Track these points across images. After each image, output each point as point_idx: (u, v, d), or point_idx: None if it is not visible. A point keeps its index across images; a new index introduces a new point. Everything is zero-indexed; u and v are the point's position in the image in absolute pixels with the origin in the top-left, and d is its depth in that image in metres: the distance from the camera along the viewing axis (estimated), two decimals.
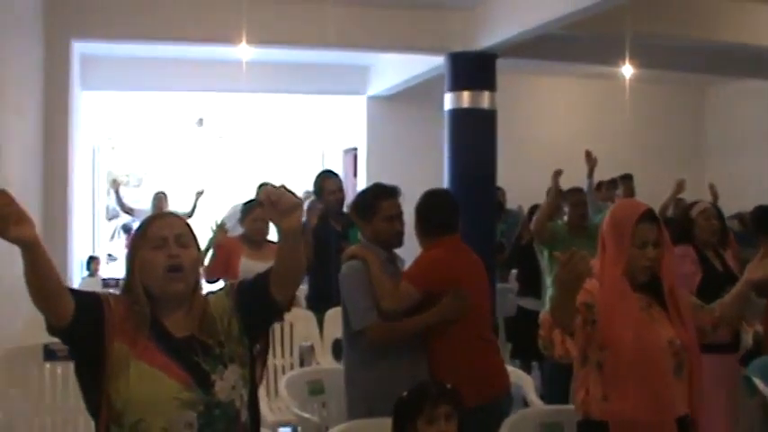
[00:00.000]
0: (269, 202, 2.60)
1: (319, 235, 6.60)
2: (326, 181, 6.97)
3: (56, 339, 5.19)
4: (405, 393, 3.52)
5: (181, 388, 2.65)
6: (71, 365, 4.98)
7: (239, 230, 7.03)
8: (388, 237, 4.42)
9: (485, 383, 4.32)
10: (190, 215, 11.26)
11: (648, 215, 3.43)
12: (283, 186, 2.63)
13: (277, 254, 2.79)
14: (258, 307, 2.84)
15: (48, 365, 5.09)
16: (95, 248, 14.42)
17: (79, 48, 9.84)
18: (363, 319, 4.27)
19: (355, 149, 14.52)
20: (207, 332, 2.77)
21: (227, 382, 2.72)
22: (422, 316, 4.28)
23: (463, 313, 4.25)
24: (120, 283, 2.84)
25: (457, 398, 3.47)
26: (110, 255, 15.02)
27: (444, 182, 9.84)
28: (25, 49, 7.27)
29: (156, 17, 9.23)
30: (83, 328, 2.62)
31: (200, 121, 21.58)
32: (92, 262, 12.20)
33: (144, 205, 13.28)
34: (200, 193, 11.50)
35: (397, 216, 4.42)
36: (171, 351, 2.70)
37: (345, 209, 6.78)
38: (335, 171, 7.51)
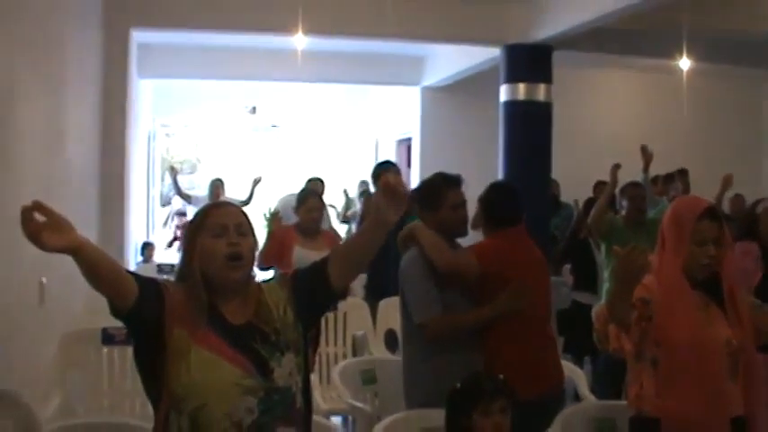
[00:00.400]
0: (389, 189, 2.69)
1: None
2: (385, 172, 7.01)
3: (115, 323, 5.33)
4: (458, 385, 3.53)
5: (242, 374, 2.68)
6: (129, 349, 5.09)
7: (293, 219, 7.07)
8: (454, 225, 4.39)
9: (541, 377, 4.31)
10: (247, 202, 11.32)
11: (710, 212, 3.39)
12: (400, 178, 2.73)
13: (356, 241, 2.89)
14: (315, 294, 2.89)
15: (105, 349, 5.19)
16: (150, 234, 14.56)
17: (137, 36, 9.95)
18: (424, 314, 4.24)
19: (409, 140, 14.53)
20: (263, 320, 2.80)
21: (285, 369, 2.75)
22: (480, 310, 4.26)
23: (522, 307, 4.23)
24: (176, 269, 2.86)
25: (511, 391, 3.48)
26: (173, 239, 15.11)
27: (499, 173, 9.82)
28: (85, 38, 7.37)
29: (213, 6, 9.31)
30: (144, 313, 2.65)
31: (254, 109, 21.71)
32: (146, 248, 12.31)
33: (198, 192, 13.42)
34: (257, 181, 11.54)
35: (462, 205, 4.42)
36: (230, 338, 2.72)
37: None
38: (392, 161, 7.55)
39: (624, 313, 3.23)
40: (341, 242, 6.15)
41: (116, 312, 2.67)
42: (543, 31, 9.48)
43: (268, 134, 19.70)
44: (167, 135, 18.95)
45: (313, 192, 6.97)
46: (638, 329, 3.29)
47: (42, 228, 2.39)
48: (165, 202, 17.02)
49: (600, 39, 9.71)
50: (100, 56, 8.32)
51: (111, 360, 5.19)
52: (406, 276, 4.35)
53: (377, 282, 6.68)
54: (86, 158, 7.36)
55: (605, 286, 6.78)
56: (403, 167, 14.49)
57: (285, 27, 9.14)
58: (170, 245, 14.91)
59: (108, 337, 5.18)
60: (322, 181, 10.28)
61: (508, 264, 4.34)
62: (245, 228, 2.83)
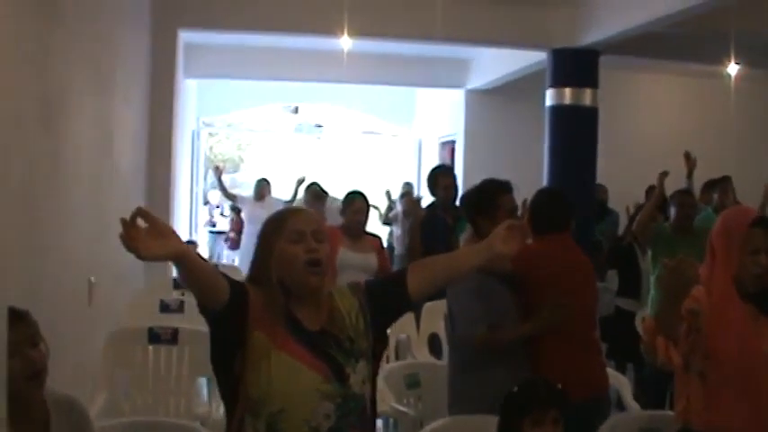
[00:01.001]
0: (514, 230, 2.80)
1: (429, 227, 6.73)
2: (441, 176, 7.15)
3: (160, 322, 5.38)
4: (515, 388, 3.50)
5: (321, 380, 2.70)
6: (174, 349, 5.19)
7: (338, 220, 7.12)
8: None
9: (586, 383, 4.29)
10: (291, 202, 11.36)
11: (761, 222, 3.36)
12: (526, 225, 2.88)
13: (450, 261, 2.93)
14: (390, 304, 2.93)
15: (152, 348, 5.24)
16: (192, 233, 14.64)
17: (182, 36, 10.01)
18: (468, 329, 4.25)
19: (452, 142, 14.50)
20: (337, 327, 2.82)
21: (359, 376, 2.78)
22: (522, 326, 4.26)
23: (564, 322, 4.21)
24: (249, 272, 2.86)
25: (565, 401, 3.45)
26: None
27: (544, 178, 9.78)
28: (133, 39, 7.44)
29: (260, 8, 9.35)
30: (232, 315, 2.67)
31: (296, 109, 21.80)
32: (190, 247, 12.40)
33: (241, 191, 13.49)
34: (300, 181, 11.53)
35: (515, 210, 4.47)
36: (308, 343, 2.74)
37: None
38: (448, 165, 7.65)
39: (673, 325, 3.20)
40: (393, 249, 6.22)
41: (205, 311, 2.70)
42: (590, 36, 9.42)
43: (311, 134, 19.76)
44: (210, 134, 19.05)
45: (359, 193, 7.02)
46: (686, 341, 3.26)
47: (142, 236, 2.37)
48: (204, 201, 17.13)
49: (647, 43, 9.63)
50: (147, 56, 8.39)
51: (157, 359, 5.25)
52: (452, 288, 4.34)
53: None
54: (133, 158, 7.43)
55: (651, 293, 6.73)
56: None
57: (331, 29, 9.15)
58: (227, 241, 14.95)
59: (154, 337, 5.24)
60: (319, 185, 10.41)
61: (549, 268, 4.34)
62: (322, 234, 2.85)
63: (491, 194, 4.44)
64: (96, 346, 5.12)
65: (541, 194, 4.71)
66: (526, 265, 4.28)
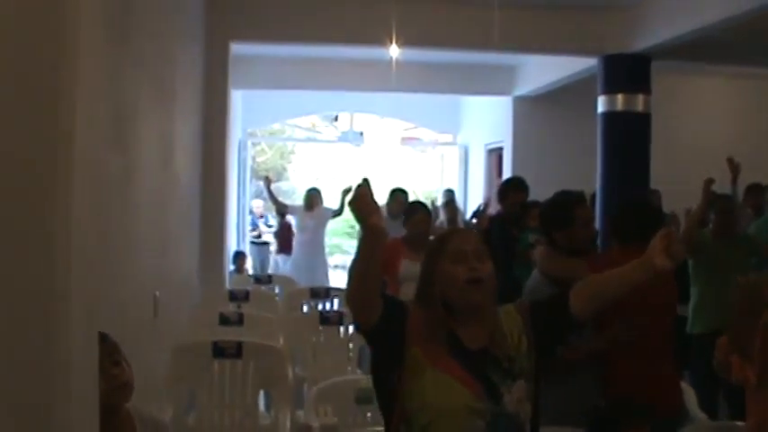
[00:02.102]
0: (667, 237, 2.78)
1: (495, 238, 6.73)
2: (513, 191, 7.16)
3: (221, 335, 5.39)
4: (604, 404, 3.48)
5: (473, 397, 2.78)
6: (239, 362, 5.19)
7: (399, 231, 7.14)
8: (585, 241, 4.47)
9: (658, 394, 4.24)
10: (339, 213, 11.37)
11: None
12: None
13: (612, 277, 2.93)
14: (553, 323, 2.95)
15: (216, 362, 5.25)
16: (240, 244, 14.69)
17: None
18: None
19: (500, 149, 14.45)
20: (498, 346, 2.88)
21: (515, 395, 2.82)
22: (595, 342, 4.22)
23: (633, 338, 4.16)
24: (415, 291, 3.01)
25: (653, 421, 3.41)
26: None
27: (597, 185, 9.70)
28: (189, 52, 7.49)
29: (309, 19, 9.37)
30: (387, 331, 2.82)
31: (336, 118, 21.87)
32: (238, 257, 12.41)
33: (282, 199, 13.50)
34: (347, 191, 11.50)
35: (592, 220, 4.47)
36: (465, 361, 2.82)
37: None
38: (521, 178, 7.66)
39: (747, 343, 3.14)
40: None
41: (358, 329, 2.92)
42: (642, 42, 9.34)
43: (354, 143, 19.79)
44: (253, 144, 19.14)
45: (421, 204, 7.05)
46: (761, 357, 3.19)
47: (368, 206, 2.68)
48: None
49: (698, 47, 9.53)
50: (201, 69, 8.43)
51: (221, 373, 5.25)
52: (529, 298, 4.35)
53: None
54: (190, 169, 7.46)
55: (691, 303, 6.65)
56: (493, 176, 14.50)
57: (379, 39, 9.14)
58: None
59: (218, 350, 5.25)
60: (405, 192, 10.35)
61: None
62: (484, 253, 2.93)
63: (567, 206, 4.46)
64: (161, 360, 5.13)
65: (622, 204, 4.68)
66: (594, 272, 4.25)
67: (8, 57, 1.96)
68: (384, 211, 8.64)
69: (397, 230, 6.89)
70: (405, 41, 9.10)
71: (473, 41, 9.68)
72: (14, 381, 1.99)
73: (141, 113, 4.83)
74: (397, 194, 9.51)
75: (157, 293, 5.30)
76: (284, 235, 14.51)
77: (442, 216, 12.33)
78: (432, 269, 2.92)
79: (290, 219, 13.23)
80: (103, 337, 2.83)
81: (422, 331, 2.84)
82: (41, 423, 2.03)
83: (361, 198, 2.67)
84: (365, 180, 2.67)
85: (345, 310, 6.63)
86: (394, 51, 9.69)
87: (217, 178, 8.94)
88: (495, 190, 12.32)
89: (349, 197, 2.74)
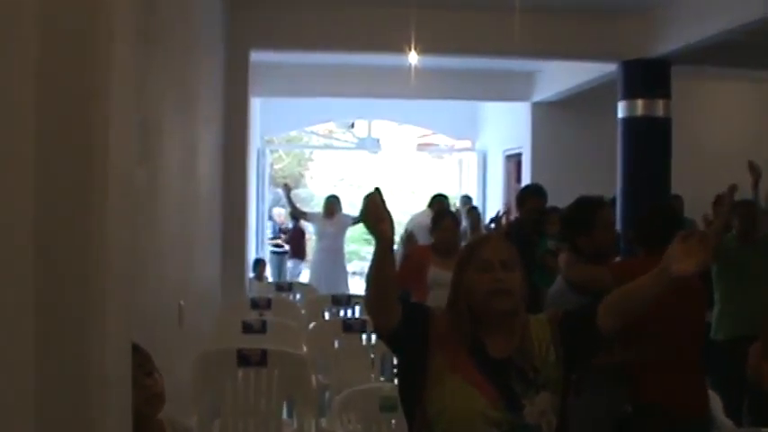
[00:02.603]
0: (690, 238, 2.79)
1: (514, 244, 6.73)
2: (531, 197, 7.17)
3: (244, 343, 5.40)
4: (630, 410, 3.48)
5: (489, 406, 2.78)
6: (263, 370, 5.19)
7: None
8: (607, 245, 4.47)
9: (684, 403, 4.22)
10: (359, 220, 11.33)
11: None
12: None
13: (632, 289, 2.89)
14: (581, 337, 2.93)
15: (241, 370, 5.25)
16: (259, 251, 14.72)
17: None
18: None
19: (518, 155, 14.44)
20: (524, 356, 2.87)
21: (537, 407, 2.81)
22: (616, 355, 4.21)
23: (660, 351, 4.15)
24: (448, 298, 3.00)
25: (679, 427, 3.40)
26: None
27: (617, 190, 9.68)
28: (211, 61, 7.51)
29: (328, 27, 9.41)
30: (408, 336, 2.86)
31: (352, 125, 21.88)
32: (258, 265, 12.41)
33: (300, 206, 13.50)
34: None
35: (613, 225, 4.48)
36: (487, 370, 2.83)
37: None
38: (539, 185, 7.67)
39: None
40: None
41: (379, 334, 2.97)
42: (662, 47, 9.32)
43: (371, 150, 19.81)
44: (271, 151, 19.18)
45: (449, 212, 7.09)
46: None
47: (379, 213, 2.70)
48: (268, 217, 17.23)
49: (719, 52, 9.49)
50: (222, 77, 8.45)
51: (246, 381, 5.25)
52: (549, 307, 4.35)
53: None
54: (211, 177, 7.48)
55: (716, 308, 6.62)
56: (512, 182, 14.48)
57: (398, 46, 9.15)
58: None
59: (243, 358, 5.25)
60: (447, 197, 10.34)
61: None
62: (512, 263, 2.92)
63: (589, 210, 4.49)
64: (186, 368, 5.14)
65: (648, 209, 4.66)
66: (615, 277, 4.25)
67: (47, 71, 1.97)
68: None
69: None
70: (424, 48, 9.10)
71: (494, 48, 9.71)
72: (53, 394, 2.00)
73: (166, 122, 4.84)
74: (438, 200, 9.58)
75: (182, 302, 5.31)
76: (297, 240, 14.51)
77: (464, 222, 12.33)
78: (460, 277, 2.94)
79: (305, 224, 13.23)
80: (135, 348, 2.84)
81: (447, 337, 2.86)
82: None
83: (371, 207, 2.69)
84: (376, 189, 2.71)
85: (368, 317, 6.62)
86: (413, 58, 9.70)
87: (238, 186, 8.97)
88: (514, 196, 12.37)
89: (360, 207, 2.75)
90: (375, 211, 2.69)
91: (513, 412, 2.78)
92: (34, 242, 1.95)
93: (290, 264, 14.51)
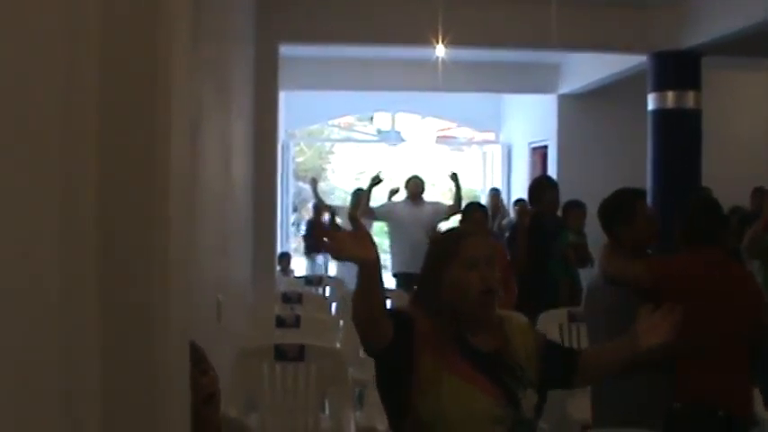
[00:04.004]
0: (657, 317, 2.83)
1: (534, 237, 6.72)
2: (547, 190, 7.11)
3: (283, 339, 5.40)
4: (678, 405, 3.46)
5: (494, 404, 2.69)
6: (300, 365, 5.19)
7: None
8: (649, 236, 4.46)
9: (726, 398, 4.18)
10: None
11: None
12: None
13: (614, 354, 2.91)
14: (556, 374, 2.89)
15: (278, 365, 5.25)
16: (284, 245, 14.68)
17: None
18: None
19: (544, 147, 14.39)
20: (509, 353, 2.80)
21: (530, 402, 2.75)
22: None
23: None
24: (419, 296, 2.89)
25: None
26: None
27: (647, 182, 9.63)
28: (243, 56, 7.51)
29: (356, 20, 9.41)
30: (397, 349, 2.68)
31: (371, 119, 21.86)
32: (283, 258, 12.39)
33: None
34: (394, 192, 11.39)
35: (653, 216, 4.47)
36: (481, 366, 2.73)
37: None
38: (550, 177, 7.59)
39: None
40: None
41: (369, 352, 2.73)
42: (692, 38, 9.26)
43: (395, 142, 19.78)
44: (294, 145, 19.19)
45: (479, 205, 7.09)
46: None
47: (343, 238, 2.51)
48: (294, 209, 17.18)
49: (749, 43, 9.41)
50: (252, 71, 8.45)
51: (284, 376, 5.26)
52: (589, 303, 4.40)
53: (528, 293, 6.65)
54: (243, 171, 7.49)
55: None
56: (537, 175, 14.43)
57: (426, 39, 9.12)
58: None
59: (281, 353, 5.25)
60: (497, 190, 10.29)
61: (682, 280, 4.25)
62: (493, 260, 2.81)
63: (630, 201, 4.48)
64: (225, 363, 5.14)
65: (690, 203, 4.62)
66: (652, 273, 4.23)
67: (109, 71, 1.97)
68: None
69: None
70: (452, 41, 9.07)
71: (522, 40, 9.70)
72: (118, 393, 2.00)
73: (205, 117, 4.84)
74: (492, 194, 9.49)
75: (220, 297, 5.32)
76: (317, 234, 14.36)
77: (512, 215, 12.36)
78: (439, 275, 2.79)
79: (326, 218, 13.19)
80: (191, 345, 2.80)
81: (432, 339, 2.72)
82: None
83: (345, 238, 2.51)
84: (360, 190, 2.59)
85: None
86: (440, 51, 9.67)
87: (267, 180, 8.97)
88: None
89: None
90: (351, 241, 2.48)
91: (514, 408, 2.70)
92: (98, 242, 1.94)
93: (320, 258, 14.43)
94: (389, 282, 9.67)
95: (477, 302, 2.74)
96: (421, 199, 9.55)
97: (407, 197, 9.69)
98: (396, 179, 16.42)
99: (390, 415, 2.81)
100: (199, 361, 2.87)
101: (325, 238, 2.52)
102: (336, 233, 2.56)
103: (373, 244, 2.52)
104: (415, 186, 9.68)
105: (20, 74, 1.46)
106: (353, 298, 2.61)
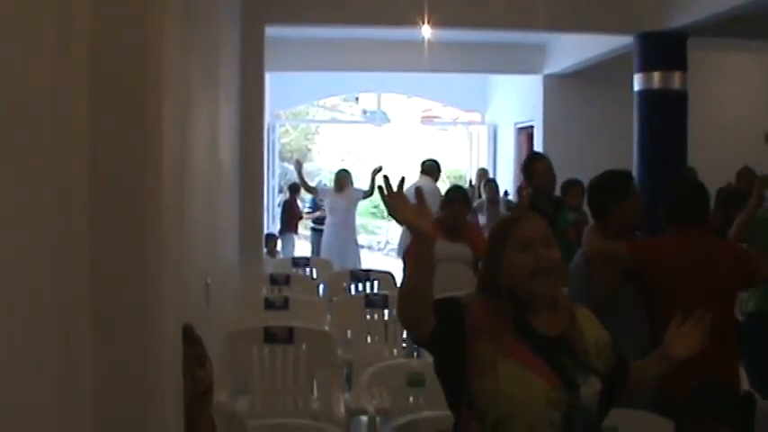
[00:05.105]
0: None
1: None
2: (536, 162, 7.04)
3: (271, 321, 5.39)
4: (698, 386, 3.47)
5: (549, 388, 2.67)
6: (290, 348, 5.19)
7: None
8: (637, 217, 4.48)
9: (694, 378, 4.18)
10: (369, 193, 11.24)
11: None
12: None
13: (645, 372, 2.92)
14: (613, 375, 2.85)
15: (267, 347, 5.26)
16: (270, 226, 14.66)
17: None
18: None
19: (529, 127, 14.41)
20: (575, 338, 2.78)
21: (592, 389, 2.73)
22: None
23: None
24: (479, 281, 2.93)
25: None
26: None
27: (633, 164, 9.64)
28: (228, 37, 7.47)
29: (342, 1, 9.38)
30: (444, 338, 2.70)
31: (356, 99, 21.83)
32: (269, 240, 12.36)
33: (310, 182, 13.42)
34: (377, 171, 11.35)
35: (639, 196, 4.52)
36: (540, 350, 2.72)
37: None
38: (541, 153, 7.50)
39: None
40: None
41: (416, 341, 2.85)
42: (678, 19, 9.24)
43: (378, 123, 19.77)
44: (279, 126, 19.17)
45: (462, 191, 7.10)
46: None
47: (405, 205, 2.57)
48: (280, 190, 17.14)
49: (736, 24, 9.42)
50: (237, 53, 8.41)
51: (273, 358, 5.26)
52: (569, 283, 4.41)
53: None
54: (230, 154, 7.46)
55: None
56: (523, 155, 14.45)
57: (412, 19, 9.10)
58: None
59: (270, 336, 5.25)
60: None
61: (664, 261, 4.28)
62: (550, 240, 2.81)
63: (623, 181, 4.57)
64: (214, 347, 5.13)
65: (671, 187, 4.62)
66: (632, 253, 4.27)
67: (100, 53, 1.96)
68: None
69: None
70: (437, 22, 9.06)
71: (508, 20, 9.68)
72: (110, 385, 1.99)
73: (193, 99, 4.82)
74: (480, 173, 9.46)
75: (209, 280, 5.31)
76: (291, 213, 14.33)
77: (483, 196, 12.36)
78: (497, 257, 2.80)
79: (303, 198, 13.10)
80: (188, 332, 2.72)
81: (488, 324, 2.72)
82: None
83: (400, 203, 2.56)
84: (380, 168, 2.59)
85: (389, 293, 6.63)
86: (426, 32, 9.65)
87: (254, 162, 8.94)
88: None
89: (383, 195, 2.58)
90: (409, 208, 2.55)
91: (570, 392, 2.68)
92: (90, 228, 1.93)
93: (294, 238, 14.38)
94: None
95: (530, 282, 2.73)
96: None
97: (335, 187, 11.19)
98: (381, 159, 16.49)
99: (447, 397, 2.84)
100: (198, 354, 2.80)
101: (386, 191, 2.55)
102: (400, 193, 2.57)
103: (433, 223, 2.61)
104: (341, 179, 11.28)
105: (7, 60, 1.44)
106: (406, 283, 2.71)
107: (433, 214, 2.60)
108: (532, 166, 7.01)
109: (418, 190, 2.61)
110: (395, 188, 2.56)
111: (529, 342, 2.72)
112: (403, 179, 2.65)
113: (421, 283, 2.64)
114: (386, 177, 2.57)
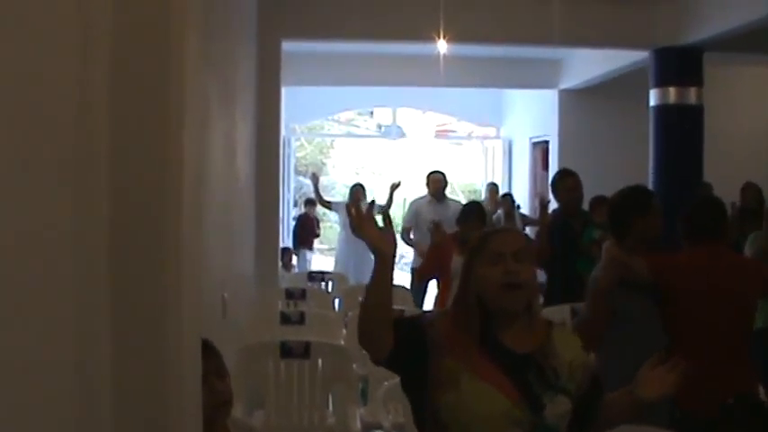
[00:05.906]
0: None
1: (557, 232, 6.66)
2: (566, 178, 7.01)
3: (287, 336, 5.39)
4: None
5: (511, 405, 2.64)
6: (307, 363, 5.19)
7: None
8: (657, 230, 4.45)
9: (709, 393, 4.16)
10: (387, 207, 11.23)
11: None
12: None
13: (611, 411, 2.81)
14: (587, 403, 2.80)
15: (283, 362, 5.25)
16: (285, 240, 14.68)
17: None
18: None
19: (545, 142, 14.40)
20: (546, 356, 2.73)
21: (558, 409, 2.68)
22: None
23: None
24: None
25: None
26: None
27: (649, 179, 9.63)
28: (245, 52, 7.50)
29: (358, 16, 9.40)
30: (403, 357, 2.71)
31: (371, 113, 21.84)
32: (285, 253, 12.36)
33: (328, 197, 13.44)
34: (395, 186, 11.36)
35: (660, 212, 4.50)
36: (505, 366, 2.69)
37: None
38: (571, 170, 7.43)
39: None
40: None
41: (374, 361, 2.77)
42: (694, 34, 9.24)
43: (394, 137, 19.77)
44: (295, 140, 19.20)
45: (479, 207, 7.09)
46: None
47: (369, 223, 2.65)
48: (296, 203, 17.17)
49: (752, 39, 9.40)
50: (254, 67, 8.45)
51: (289, 373, 5.26)
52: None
53: (553, 290, 6.64)
54: (248, 167, 7.49)
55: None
56: (538, 169, 14.45)
57: (428, 35, 9.12)
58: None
59: (287, 350, 5.25)
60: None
61: (682, 276, 4.28)
62: (524, 255, 2.77)
63: (646, 195, 4.58)
64: (230, 361, 5.13)
65: (690, 203, 4.62)
66: (651, 269, 4.26)
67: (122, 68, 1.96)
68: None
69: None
70: (454, 37, 9.07)
71: (524, 36, 9.69)
72: (129, 393, 1.99)
73: (211, 114, 4.84)
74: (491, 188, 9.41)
75: (225, 295, 5.32)
76: (307, 229, 14.32)
77: (499, 211, 12.31)
78: (469, 269, 2.79)
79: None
80: (208, 346, 2.72)
81: (454, 339, 2.71)
82: None
83: (365, 220, 2.65)
84: (358, 185, 2.62)
85: (405, 307, 6.64)
86: (442, 47, 9.67)
87: (270, 175, 8.96)
88: (540, 183, 12.34)
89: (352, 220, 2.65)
90: (374, 230, 2.63)
91: (533, 412, 2.64)
92: (109, 241, 1.94)
93: (308, 254, 14.37)
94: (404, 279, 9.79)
95: (499, 296, 2.71)
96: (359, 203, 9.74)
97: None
98: (397, 174, 16.48)
99: (415, 415, 2.82)
100: (218, 366, 2.83)
101: (353, 210, 2.64)
102: (368, 214, 2.66)
103: (395, 244, 2.64)
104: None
105: (33, 73, 1.46)
106: (367, 299, 2.69)
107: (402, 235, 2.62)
108: (561, 182, 7.01)
109: (386, 216, 2.71)
110: (363, 209, 2.66)
111: (495, 358, 2.69)
112: (373, 202, 2.75)
113: (378, 300, 2.66)
114: (359, 184, 2.63)
